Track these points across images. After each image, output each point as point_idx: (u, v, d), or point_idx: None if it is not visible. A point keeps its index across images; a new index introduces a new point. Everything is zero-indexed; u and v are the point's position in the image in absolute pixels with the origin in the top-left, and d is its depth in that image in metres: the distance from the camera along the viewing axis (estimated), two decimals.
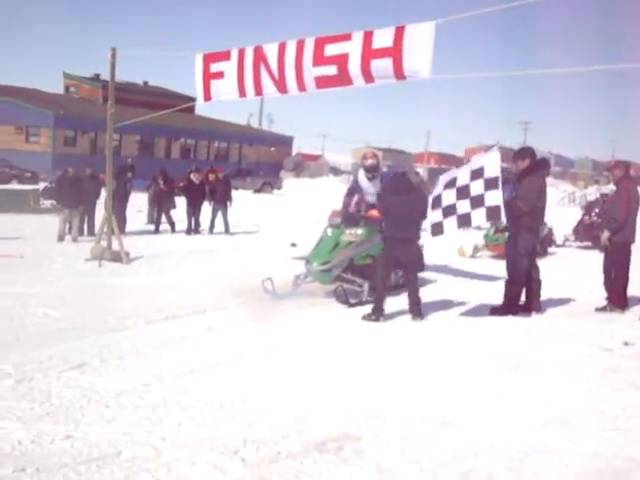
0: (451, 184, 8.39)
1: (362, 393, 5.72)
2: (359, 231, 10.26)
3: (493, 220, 9.60)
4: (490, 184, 7.98)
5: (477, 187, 8.09)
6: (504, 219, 8.35)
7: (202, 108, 48.00)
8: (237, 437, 4.68)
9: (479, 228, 14.24)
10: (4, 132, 45.18)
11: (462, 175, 8.37)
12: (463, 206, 8.18)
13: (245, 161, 56.38)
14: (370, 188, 11.01)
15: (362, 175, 11.14)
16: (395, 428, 4.91)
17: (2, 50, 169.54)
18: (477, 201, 8.07)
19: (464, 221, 8.30)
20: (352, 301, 9.59)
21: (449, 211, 8.32)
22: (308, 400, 5.51)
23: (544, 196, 8.90)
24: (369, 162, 11.04)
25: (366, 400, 5.54)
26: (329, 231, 10.44)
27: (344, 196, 11.28)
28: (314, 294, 10.27)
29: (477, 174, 8.15)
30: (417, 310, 8.68)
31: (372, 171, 10.99)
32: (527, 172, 8.85)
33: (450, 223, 8.35)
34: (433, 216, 8.46)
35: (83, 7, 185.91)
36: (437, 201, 8.45)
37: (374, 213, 10.48)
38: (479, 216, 8.14)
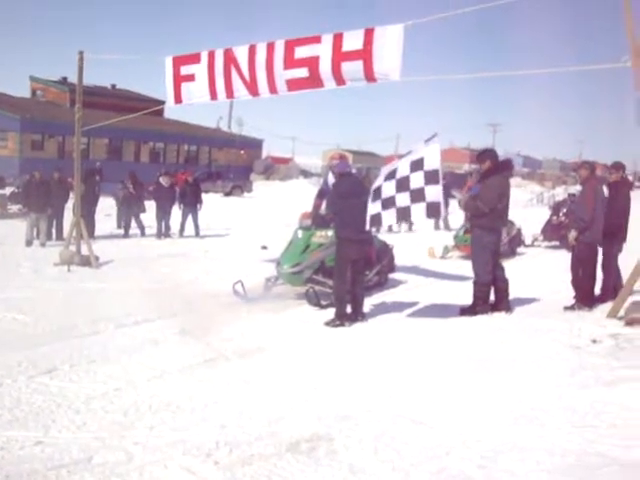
0: (391, 175, 8.29)
1: (334, 394, 5.74)
2: (329, 233, 10.10)
3: (433, 217, 9.62)
4: (430, 178, 7.89)
5: (417, 180, 7.98)
6: (443, 213, 8.43)
7: (171, 111, 47.85)
8: (210, 440, 4.67)
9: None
10: None
11: (402, 166, 8.25)
12: (402, 199, 8.07)
13: (215, 164, 56.14)
14: None
15: (331, 177, 11.11)
16: (367, 428, 4.93)
17: None
18: (417, 195, 7.97)
19: (403, 215, 8.29)
20: (323, 303, 9.55)
21: (388, 203, 8.21)
22: (280, 402, 5.52)
23: (506, 197, 8.99)
24: (336, 164, 11.00)
25: (338, 401, 5.55)
26: (299, 233, 10.45)
27: (314, 198, 11.21)
28: (285, 297, 10.26)
29: (417, 166, 8.03)
30: (362, 312, 8.83)
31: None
32: (489, 173, 8.95)
33: (389, 215, 8.28)
34: (372, 208, 8.34)
35: (50, 10, 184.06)
36: (377, 193, 8.34)
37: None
38: (418, 211, 8.05)
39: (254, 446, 4.60)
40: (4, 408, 5.27)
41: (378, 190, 8.33)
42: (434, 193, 7.90)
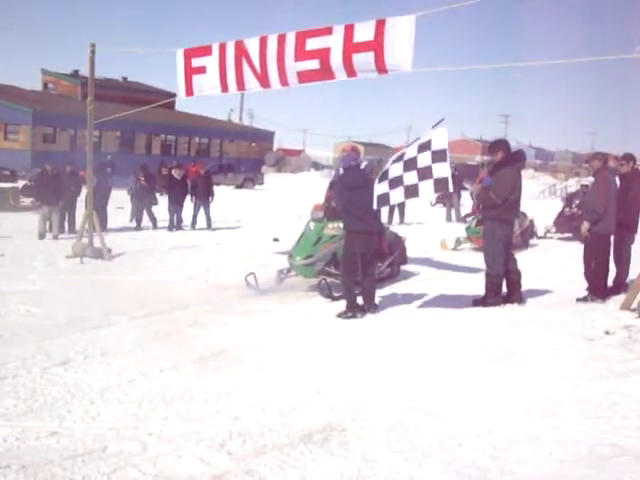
0: (399, 159, 8.28)
1: (346, 386, 5.76)
2: (341, 225, 9.81)
3: (441, 192, 9.57)
4: (438, 156, 7.82)
5: (424, 159, 7.92)
6: (451, 189, 8.41)
7: (182, 104, 47.90)
8: (223, 431, 4.70)
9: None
10: None
11: (410, 149, 8.23)
12: (410, 177, 8.00)
13: (226, 157, 56.23)
14: None
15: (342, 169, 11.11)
16: (380, 419, 4.95)
17: None
18: (425, 173, 7.90)
19: (411, 192, 8.12)
20: (335, 294, 9.54)
21: (396, 182, 8.16)
22: (293, 393, 5.54)
23: (518, 188, 8.97)
24: (345, 156, 10.99)
25: (350, 392, 5.57)
26: (311, 225, 10.44)
27: (326, 190, 11.17)
28: (298, 288, 10.28)
29: (425, 147, 7.97)
30: (373, 304, 8.83)
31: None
32: (501, 164, 8.93)
33: (397, 194, 8.21)
34: (379, 188, 8.30)
35: (61, 3, 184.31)
36: (384, 175, 8.32)
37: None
38: (427, 187, 7.96)
39: (267, 437, 4.63)
40: (19, 399, 5.31)
41: (385, 173, 8.32)
42: (442, 169, 7.84)
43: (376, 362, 6.43)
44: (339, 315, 8.53)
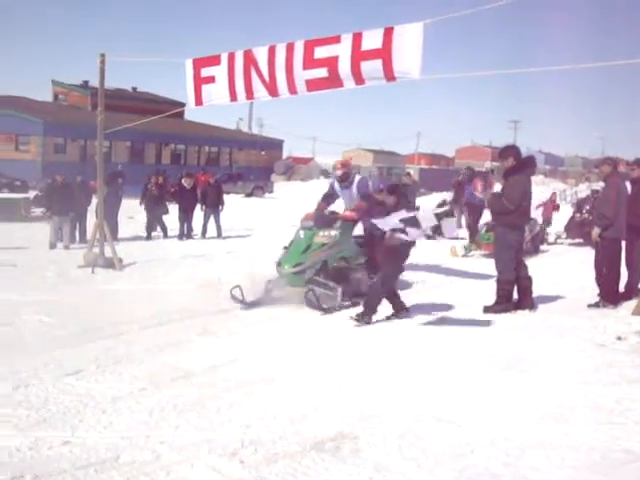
0: None
1: (357, 393, 5.75)
2: (332, 232, 9.92)
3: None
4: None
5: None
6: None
7: (192, 113, 48.09)
8: (234, 439, 4.70)
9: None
10: None
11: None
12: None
13: (236, 165, 56.41)
14: (345, 197, 10.97)
15: (337, 185, 11.05)
16: (391, 427, 4.94)
17: None
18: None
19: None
20: (324, 306, 9.22)
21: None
22: (303, 401, 5.53)
23: (530, 194, 8.97)
24: (339, 172, 11.00)
25: (362, 400, 5.56)
26: (301, 233, 10.12)
27: (319, 200, 11.03)
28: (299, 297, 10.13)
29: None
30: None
31: (344, 180, 10.85)
32: (513, 170, 8.92)
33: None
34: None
35: (71, 14, 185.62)
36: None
37: (350, 214, 10.33)
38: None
39: (279, 445, 4.62)
40: (32, 409, 5.33)
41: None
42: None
43: (387, 369, 6.42)
44: (356, 320, 8.41)
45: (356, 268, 10.15)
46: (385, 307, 8.84)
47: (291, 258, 9.76)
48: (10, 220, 20.82)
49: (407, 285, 11.11)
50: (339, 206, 11.04)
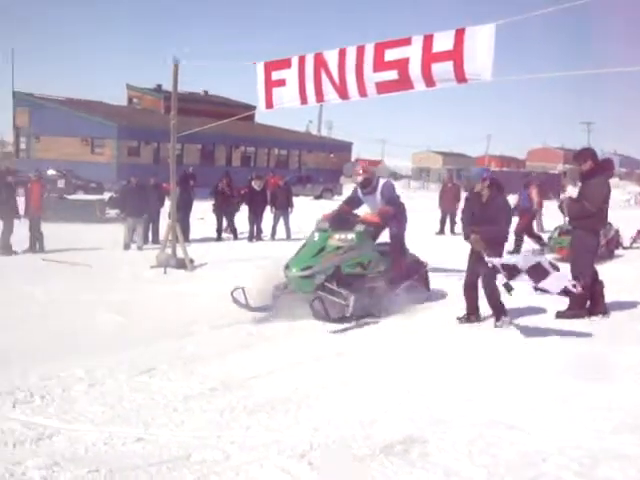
0: None
1: (427, 398, 5.70)
2: (350, 235, 9.07)
3: None
4: None
5: None
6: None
7: (262, 116, 48.52)
8: (304, 441, 4.71)
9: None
10: (71, 144, 46.41)
11: None
12: None
13: (305, 168, 56.68)
14: (369, 203, 10.13)
15: (359, 191, 10.19)
16: (461, 432, 4.89)
17: (69, 65, 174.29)
18: None
19: None
20: (335, 316, 8.42)
21: None
22: (373, 405, 5.52)
23: (609, 198, 8.78)
24: (359, 179, 10.03)
25: (431, 404, 5.52)
26: (316, 235, 9.37)
27: (342, 203, 10.34)
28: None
29: None
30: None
31: (366, 186, 9.96)
32: (591, 173, 8.73)
33: None
34: None
35: (144, 20, 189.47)
36: None
37: (373, 217, 9.65)
38: None
39: (348, 448, 4.62)
40: (107, 405, 5.46)
41: None
42: None
43: (458, 374, 6.35)
44: (466, 321, 8.40)
45: (374, 276, 9.26)
46: (450, 311, 8.77)
47: (300, 261, 8.91)
48: (86, 221, 21.40)
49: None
50: (363, 212, 10.23)
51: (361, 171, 10.03)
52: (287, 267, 8.86)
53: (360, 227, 9.25)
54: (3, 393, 5.67)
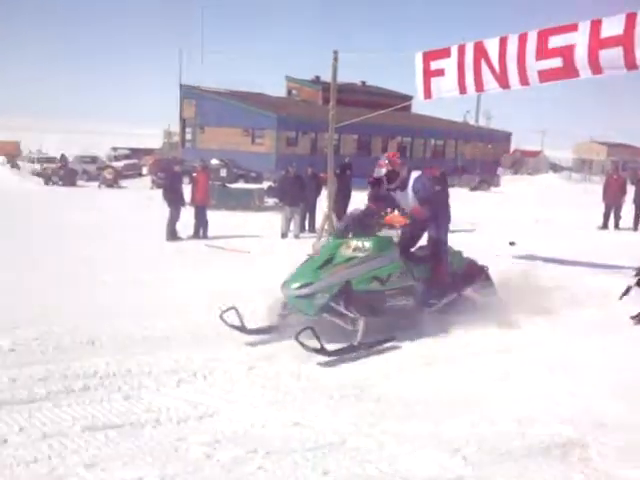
0: None
1: (588, 400, 5.48)
2: (367, 243, 7.41)
3: None
4: None
5: None
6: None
7: (418, 106, 48.29)
8: (459, 435, 4.68)
9: None
10: (233, 134, 48.00)
11: None
12: None
13: (461, 158, 55.84)
14: (402, 200, 8.25)
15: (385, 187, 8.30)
16: (623, 437, 4.68)
17: (233, 61, 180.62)
18: None
19: None
20: (331, 349, 6.60)
21: None
22: (533, 405, 5.37)
23: None
24: (382, 171, 8.09)
25: (592, 408, 5.30)
26: (329, 240, 8.04)
27: (369, 199, 8.54)
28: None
29: None
30: None
31: (392, 180, 8.09)
32: None
33: None
34: None
35: (303, 14, 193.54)
36: None
37: (400, 218, 8.01)
38: None
39: (504, 445, 4.54)
40: (265, 389, 5.64)
41: None
42: None
43: (622, 377, 6.04)
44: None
45: (396, 292, 7.47)
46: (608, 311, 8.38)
47: (300, 275, 7.18)
48: (246, 209, 22.14)
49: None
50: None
51: (384, 162, 8.10)
52: (284, 283, 7.19)
53: (379, 231, 7.80)
54: (169, 371, 5.98)
